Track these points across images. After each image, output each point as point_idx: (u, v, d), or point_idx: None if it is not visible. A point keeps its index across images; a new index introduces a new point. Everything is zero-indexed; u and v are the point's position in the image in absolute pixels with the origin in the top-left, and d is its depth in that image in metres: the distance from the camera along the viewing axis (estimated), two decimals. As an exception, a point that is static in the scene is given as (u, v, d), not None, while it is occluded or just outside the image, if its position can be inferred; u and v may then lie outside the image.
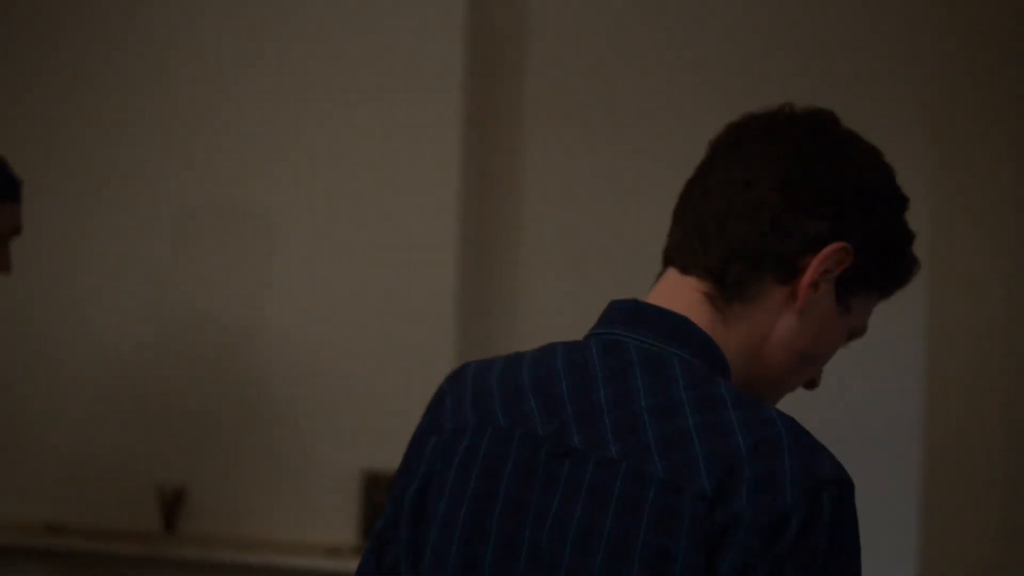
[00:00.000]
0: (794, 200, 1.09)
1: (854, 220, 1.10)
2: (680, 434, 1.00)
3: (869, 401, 2.74)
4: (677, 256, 1.13)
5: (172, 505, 2.92)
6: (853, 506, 0.99)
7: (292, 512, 2.92)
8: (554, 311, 2.83)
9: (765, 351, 1.12)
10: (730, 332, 1.10)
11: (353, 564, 2.75)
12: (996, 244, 2.80)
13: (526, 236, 2.93)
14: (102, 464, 3.01)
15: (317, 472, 2.90)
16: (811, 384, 1.19)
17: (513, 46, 2.97)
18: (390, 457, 2.90)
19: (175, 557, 2.88)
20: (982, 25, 2.74)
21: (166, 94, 2.96)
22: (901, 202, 1.15)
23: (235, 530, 2.95)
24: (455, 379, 1.18)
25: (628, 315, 1.11)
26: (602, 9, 2.95)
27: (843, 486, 0.98)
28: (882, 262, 1.13)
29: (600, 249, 2.88)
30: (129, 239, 2.99)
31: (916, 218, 2.93)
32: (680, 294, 1.12)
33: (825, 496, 0.97)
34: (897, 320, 2.65)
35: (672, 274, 1.14)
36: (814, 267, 1.09)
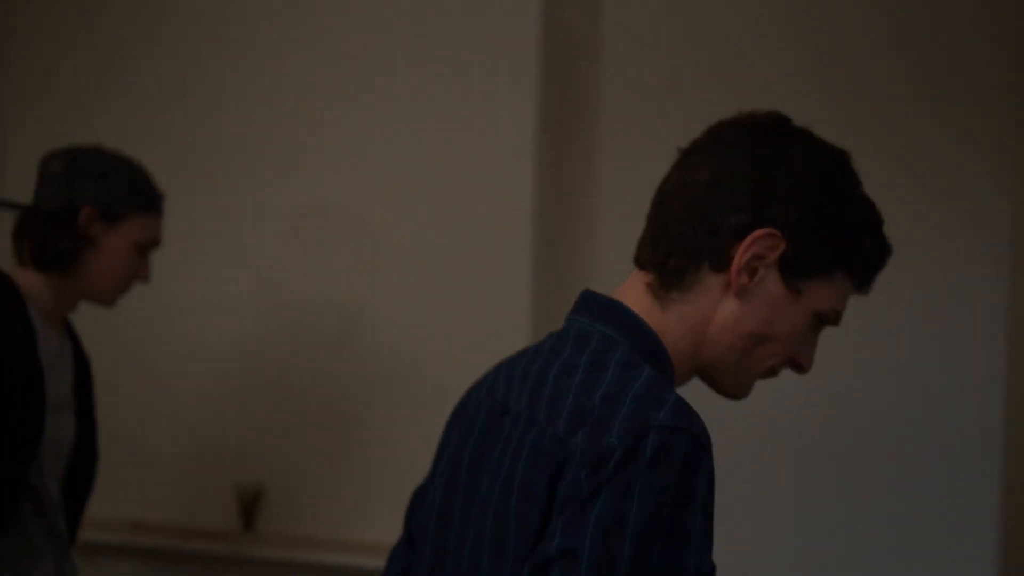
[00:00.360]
0: (720, 196, 1.23)
1: (780, 209, 1.21)
2: (563, 390, 1.16)
3: (948, 400, 2.71)
4: (638, 255, 1.30)
5: (251, 504, 2.97)
6: (681, 451, 1.06)
7: (369, 512, 2.94)
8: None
9: (711, 334, 1.25)
10: (668, 316, 1.25)
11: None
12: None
13: (601, 242, 2.93)
14: (184, 463, 3.07)
15: (395, 472, 2.92)
16: (797, 367, 1.30)
17: (588, 50, 2.98)
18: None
19: (253, 555, 2.91)
20: None
21: (272, 101, 3.02)
22: (845, 191, 1.24)
23: (312, 529, 2.98)
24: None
25: (580, 302, 1.29)
26: (678, 11, 2.95)
27: (672, 432, 1.07)
28: (822, 248, 1.23)
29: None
30: (235, 241, 3.03)
31: (998, 216, 2.83)
32: (630, 285, 1.29)
33: (649, 438, 1.06)
34: (976, 318, 2.61)
35: (633, 271, 1.30)
36: (740, 253, 1.22)
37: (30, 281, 2.13)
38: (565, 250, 2.98)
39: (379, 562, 2.86)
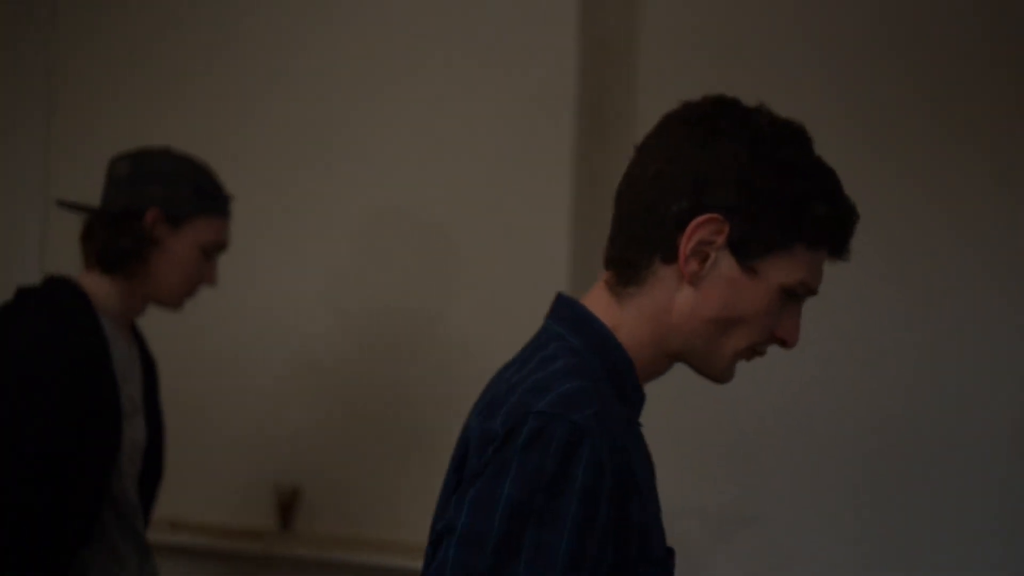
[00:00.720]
0: (662, 187, 1.24)
1: (719, 192, 1.21)
2: (492, 386, 1.24)
3: (993, 420, 2.71)
4: (604, 254, 1.32)
5: (288, 504, 2.99)
6: (556, 438, 1.10)
7: (405, 512, 2.96)
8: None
9: (673, 323, 1.25)
10: (625, 311, 1.26)
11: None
12: None
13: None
14: (223, 462, 3.09)
15: (429, 472, 2.93)
16: (781, 343, 1.29)
17: (624, 54, 2.99)
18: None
19: (290, 555, 2.92)
20: None
21: (346, 102, 3.03)
22: (787, 163, 1.23)
23: (349, 530, 3.00)
24: None
25: (552, 305, 1.32)
26: (713, 15, 2.95)
27: (550, 419, 1.11)
28: (771, 224, 1.22)
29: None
30: (304, 244, 3.04)
31: None
32: (595, 285, 1.31)
33: (527, 423, 1.11)
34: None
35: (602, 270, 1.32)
36: (684, 242, 1.22)
37: (97, 284, 2.12)
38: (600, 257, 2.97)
39: (414, 562, 2.88)
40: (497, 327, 2.87)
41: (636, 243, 1.26)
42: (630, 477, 1.17)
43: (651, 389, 2.88)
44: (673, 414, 2.89)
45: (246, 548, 2.95)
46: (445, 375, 2.90)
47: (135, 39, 3.26)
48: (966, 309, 2.75)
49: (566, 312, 1.29)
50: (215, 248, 2.20)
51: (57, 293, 2.07)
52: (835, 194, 1.26)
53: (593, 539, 1.11)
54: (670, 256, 1.24)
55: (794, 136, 1.26)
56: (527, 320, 2.78)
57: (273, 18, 3.14)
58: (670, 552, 1.28)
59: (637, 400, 1.29)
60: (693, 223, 1.22)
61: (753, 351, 1.29)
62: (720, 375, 1.30)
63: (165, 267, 2.13)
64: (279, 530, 2.98)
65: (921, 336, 2.77)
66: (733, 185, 1.22)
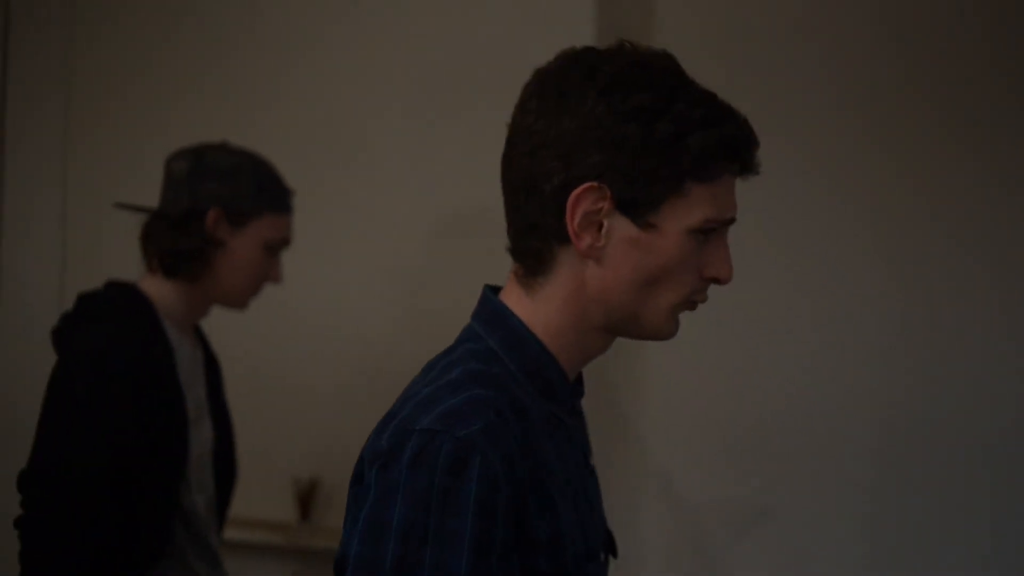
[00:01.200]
0: (533, 168, 1.17)
1: (586, 159, 1.14)
2: (403, 392, 1.20)
3: (1010, 414, 2.73)
4: (508, 246, 1.26)
5: (307, 495, 3.02)
6: (441, 455, 1.07)
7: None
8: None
9: (593, 300, 1.19)
10: (538, 304, 1.21)
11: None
12: None
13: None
14: (242, 454, 3.11)
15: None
16: (715, 282, 1.22)
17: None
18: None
19: (310, 546, 2.92)
20: None
21: (411, 97, 3.00)
22: (645, 106, 1.14)
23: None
24: None
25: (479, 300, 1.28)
26: (729, 14, 2.97)
27: (433, 436, 1.07)
28: (650, 174, 1.14)
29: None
30: (379, 243, 3.02)
31: None
32: (508, 278, 1.26)
33: (411, 442, 1.08)
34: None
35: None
36: (569, 221, 1.16)
37: (160, 289, 2.05)
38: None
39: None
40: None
41: (529, 231, 1.20)
42: (537, 487, 1.12)
43: (666, 383, 2.91)
44: (690, 408, 2.92)
45: (266, 540, 2.94)
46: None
47: (160, 32, 3.23)
48: (972, 307, 2.80)
49: (485, 308, 1.24)
50: (279, 245, 2.13)
51: (120, 300, 2.00)
52: (709, 119, 1.16)
53: (493, 554, 1.07)
54: (564, 237, 1.17)
55: (648, 74, 1.16)
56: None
57: (337, 16, 3.10)
58: (595, 553, 1.23)
59: (564, 394, 1.23)
60: (571, 198, 1.15)
61: (691, 301, 1.22)
62: (660, 333, 1.22)
63: (229, 268, 2.06)
64: (298, 522, 2.99)
65: (932, 332, 2.82)
66: (597, 146, 1.14)
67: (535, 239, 1.20)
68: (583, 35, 2.86)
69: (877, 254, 2.83)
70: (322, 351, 3.02)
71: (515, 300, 1.23)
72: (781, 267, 2.88)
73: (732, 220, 1.21)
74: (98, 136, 3.23)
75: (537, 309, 1.21)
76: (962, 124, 2.80)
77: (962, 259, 2.81)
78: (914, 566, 2.79)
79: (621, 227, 1.16)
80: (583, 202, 1.15)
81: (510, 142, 1.21)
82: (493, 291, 1.27)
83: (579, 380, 1.29)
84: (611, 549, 1.33)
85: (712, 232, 1.19)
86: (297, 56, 3.11)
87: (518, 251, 1.23)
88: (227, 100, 3.12)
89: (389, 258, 3.01)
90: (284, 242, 2.15)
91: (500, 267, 1.30)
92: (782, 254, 2.89)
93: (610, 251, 1.17)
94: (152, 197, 2.18)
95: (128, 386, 1.87)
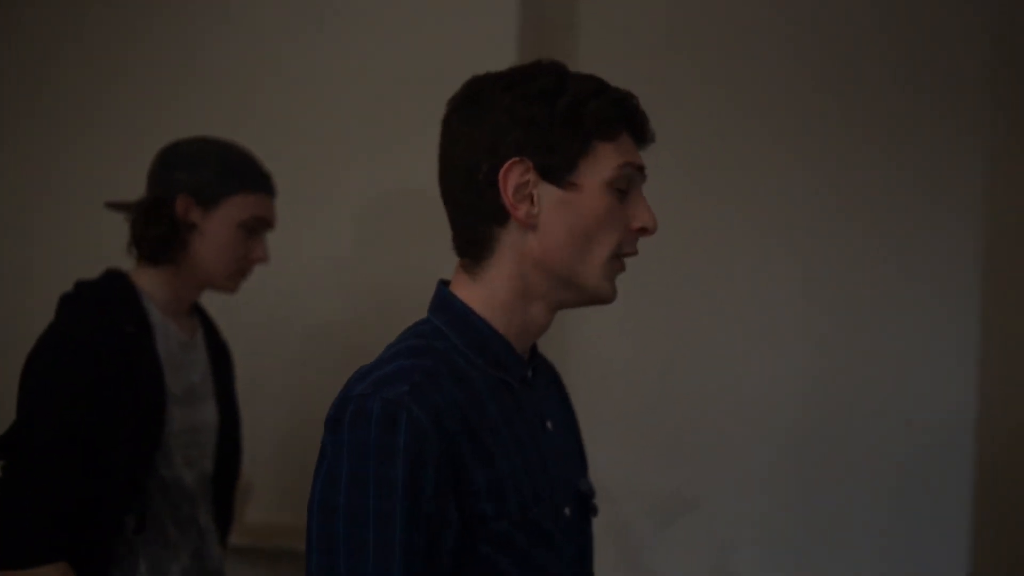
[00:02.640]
0: (465, 169, 1.36)
1: (508, 142, 1.34)
2: None
3: (922, 392, 2.78)
4: (453, 247, 1.43)
5: (240, 496, 2.96)
6: (374, 413, 1.24)
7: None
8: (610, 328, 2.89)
9: (535, 268, 1.37)
10: (484, 286, 1.39)
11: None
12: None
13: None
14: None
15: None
16: (643, 232, 1.39)
17: (564, 42, 3.01)
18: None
19: (241, 546, 2.88)
20: None
21: (346, 82, 3.02)
22: (546, 89, 1.34)
23: (300, 520, 3.00)
24: None
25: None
26: (653, 3, 2.99)
27: (366, 399, 1.25)
28: (561, 141, 1.33)
29: (646, 248, 2.93)
30: (313, 229, 3.02)
31: (971, 209, 2.84)
32: (455, 274, 1.43)
33: (349, 407, 1.26)
34: (951, 311, 2.68)
35: None
36: (504, 194, 1.34)
37: (147, 278, 2.16)
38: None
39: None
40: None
41: (469, 221, 1.38)
42: (471, 439, 1.28)
43: (590, 376, 2.92)
44: (615, 402, 2.94)
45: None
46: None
47: (125, 28, 3.23)
48: (890, 307, 2.87)
49: (437, 297, 1.42)
50: (256, 225, 2.21)
51: (105, 285, 2.12)
52: (601, 89, 1.36)
53: (425, 499, 1.24)
54: (501, 217, 1.36)
55: (542, 67, 1.38)
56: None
57: (265, 6, 3.12)
58: (540, 503, 1.36)
59: (512, 363, 1.39)
60: (501, 174, 1.33)
61: (620, 257, 1.39)
62: (599, 293, 1.39)
63: (206, 250, 2.15)
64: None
65: (854, 331, 2.88)
66: (513, 128, 1.34)
67: (475, 226, 1.38)
68: (508, 37, 2.90)
69: (799, 261, 2.88)
70: (274, 343, 3.04)
71: (461, 287, 1.40)
72: (704, 263, 2.92)
73: (641, 168, 1.39)
74: (90, 136, 3.22)
75: (482, 291, 1.39)
76: (873, 126, 2.87)
77: (877, 255, 2.87)
78: (836, 554, 2.85)
79: (548, 193, 1.35)
80: (511, 176, 1.34)
81: (443, 154, 1.40)
82: (444, 284, 1.43)
83: (533, 354, 1.47)
84: (585, 506, 1.48)
85: (630, 186, 1.38)
86: (228, 52, 3.12)
87: (462, 245, 1.40)
88: (196, 92, 3.13)
89: (338, 249, 3.02)
90: (261, 221, 2.22)
91: (447, 259, 1.39)
92: (703, 252, 2.92)
93: (543, 218, 1.35)
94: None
95: (89, 360, 1.98)
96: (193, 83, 3.14)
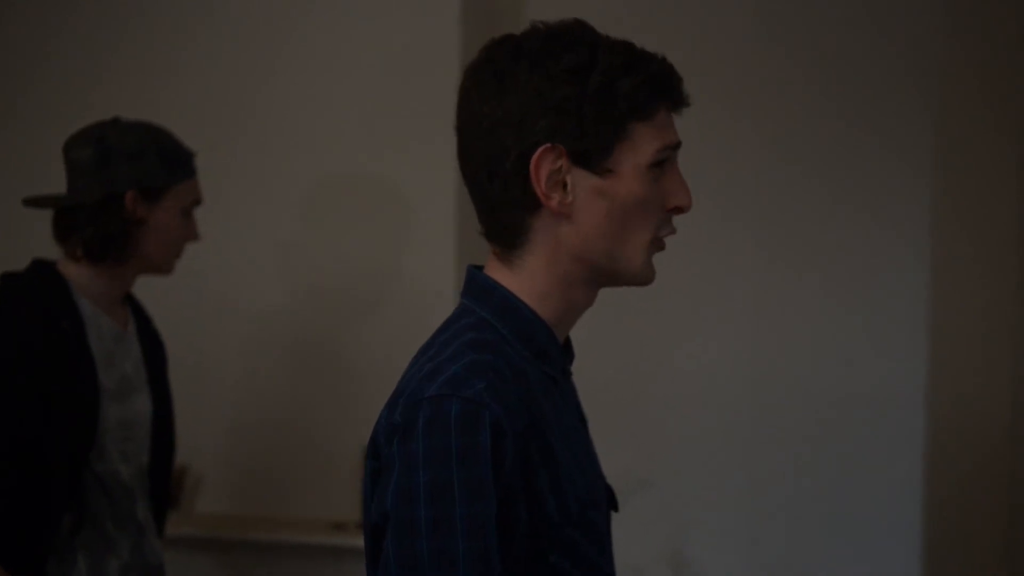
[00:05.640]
0: (489, 153, 1.26)
1: (535, 127, 1.23)
2: (404, 373, 1.27)
3: (873, 381, 2.80)
4: (481, 230, 1.33)
5: (177, 483, 2.92)
6: (451, 416, 1.16)
7: (293, 490, 2.95)
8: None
9: (573, 258, 1.28)
10: (523, 274, 1.29)
11: (357, 540, 2.79)
12: (999, 224, 2.86)
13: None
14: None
15: (319, 449, 2.92)
16: (678, 211, 1.30)
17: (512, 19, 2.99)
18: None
19: (180, 535, 2.87)
20: (989, 27, 2.80)
21: (291, 69, 2.98)
22: (573, 66, 1.24)
23: (242, 509, 2.98)
24: None
25: (465, 278, 1.35)
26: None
27: (440, 400, 1.17)
28: (594, 124, 1.24)
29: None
30: (257, 214, 2.97)
31: (919, 202, 2.87)
32: (488, 260, 1.33)
33: (421, 411, 1.17)
34: (900, 301, 2.69)
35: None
36: (536, 184, 1.24)
37: (81, 272, 2.11)
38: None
39: (308, 538, 2.87)
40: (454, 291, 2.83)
41: (498, 209, 1.28)
42: (538, 440, 1.21)
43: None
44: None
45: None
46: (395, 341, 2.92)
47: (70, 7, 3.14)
48: (840, 286, 2.89)
49: (473, 285, 1.32)
50: (192, 207, 2.21)
51: (34, 278, 2.08)
52: (631, 64, 1.26)
53: (510, 499, 1.17)
54: (533, 205, 1.25)
55: (568, 40, 1.26)
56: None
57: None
58: (598, 503, 1.31)
59: (555, 354, 1.31)
60: (532, 164, 1.23)
61: (659, 239, 1.31)
62: (640, 277, 1.31)
63: (155, 242, 2.13)
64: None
65: (808, 322, 2.89)
66: (541, 112, 1.23)
67: (505, 215, 1.27)
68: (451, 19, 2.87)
69: (760, 253, 2.90)
70: (219, 330, 3.00)
71: (500, 274, 1.30)
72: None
73: (679, 144, 1.29)
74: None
75: (522, 279, 1.29)
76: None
77: (828, 228, 2.88)
78: (790, 532, 2.86)
79: (583, 180, 1.25)
80: (543, 164, 1.24)
81: (461, 133, 1.29)
82: (477, 269, 1.34)
83: (568, 344, 1.37)
84: (612, 503, 1.41)
85: (665, 164, 1.28)
86: (177, 26, 3.06)
87: (491, 231, 1.30)
88: (120, 74, 3.06)
89: (283, 234, 2.99)
90: (196, 203, 2.22)
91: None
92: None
93: (579, 205, 1.25)
94: (50, 185, 2.20)
95: (21, 359, 1.96)
96: (137, 69, 3.07)
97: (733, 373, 2.90)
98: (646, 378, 2.93)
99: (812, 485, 2.86)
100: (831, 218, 2.88)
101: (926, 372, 2.82)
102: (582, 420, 1.39)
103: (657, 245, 1.31)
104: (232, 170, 2.92)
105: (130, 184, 2.09)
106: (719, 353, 2.91)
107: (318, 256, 2.97)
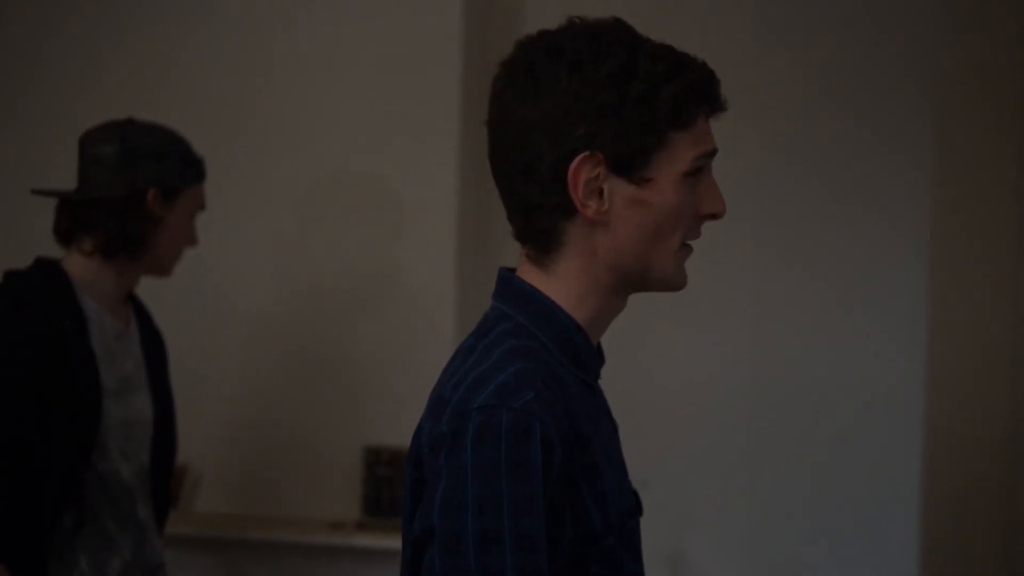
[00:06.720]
0: (524, 155, 1.23)
1: (573, 133, 1.21)
2: (442, 379, 1.24)
3: (872, 381, 2.80)
4: (513, 232, 1.30)
5: (176, 482, 2.92)
6: (501, 427, 1.13)
7: (296, 489, 2.94)
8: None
9: (608, 265, 1.25)
10: (558, 279, 1.26)
11: (354, 539, 2.79)
12: (998, 225, 2.86)
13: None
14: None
15: (320, 449, 2.92)
16: (712, 218, 1.28)
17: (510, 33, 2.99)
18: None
19: (180, 534, 2.87)
20: (989, 27, 2.80)
21: (288, 69, 2.98)
22: (614, 72, 1.21)
23: (241, 508, 2.97)
24: None
25: (497, 282, 1.31)
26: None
27: (491, 411, 1.14)
28: (634, 133, 1.21)
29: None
30: (257, 214, 2.97)
31: (917, 203, 2.87)
32: (520, 261, 1.30)
33: (471, 421, 1.14)
34: (900, 301, 2.69)
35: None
36: (572, 192, 1.21)
37: (86, 269, 2.11)
38: (488, 235, 2.98)
39: (306, 537, 2.88)
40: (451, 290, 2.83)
41: (531, 213, 1.25)
42: (581, 451, 1.18)
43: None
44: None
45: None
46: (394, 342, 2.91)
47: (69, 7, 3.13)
48: (839, 281, 2.89)
49: (508, 289, 1.28)
50: (196, 211, 2.23)
51: (37, 276, 2.08)
52: (673, 71, 1.23)
53: (556, 512, 1.15)
54: (569, 211, 1.23)
55: (608, 43, 1.23)
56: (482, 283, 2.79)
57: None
58: (634, 511, 1.30)
59: (591, 360, 1.29)
60: (570, 171, 1.20)
61: (687, 247, 1.28)
62: (672, 284, 1.29)
63: (166, 242, 2.15)
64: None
65: (808, 322, 2.89)
66: (579, 118, 1.20)
67: (540, 219, 1.25)
68: (452, 22, 2.87)
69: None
70: (217, 331, 2.99)
71: (535, 278, 1.27)
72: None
73: (715, 151, 1.27)
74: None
75: (558, 284, 1.26)
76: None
77: (827, 226, 2.87)
78: (787, 531, 2.85)
79: (620, 188, 1.22)
80: (581, 172, 1.21)
81: (494, 134, 1.26)
82: (510, 271, 1.31)
83: (599, 349, 1.35)
84: (638, 507, 1.39)
85: (700, 171, 1.26)
86: (176, 25, 3.05)
87: (524, 234, 1.27)
88: (120, 74, 3.05)
89: (281, 235, 2.98)
90: (201, 208, 2.25)
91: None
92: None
93: (615, 213, 1.23)
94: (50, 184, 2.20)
95: (24, 358, 1.97)
96: (137, 68, 3.06)
97: (733, 373, 2.90)
98: (646, 378, 2.92)
99: (812, 485, 2.86)
100: (831, 218, 2.88)
101: (925, 372, 2.82)
102: (614, 427, 1.37)
103: (686, 251, 1.28)
104: (232, 170, 2.90)
105: (153, 182, 2.10)
106: (719, 353, 2.91)
107: (317, 256, 2.96)
